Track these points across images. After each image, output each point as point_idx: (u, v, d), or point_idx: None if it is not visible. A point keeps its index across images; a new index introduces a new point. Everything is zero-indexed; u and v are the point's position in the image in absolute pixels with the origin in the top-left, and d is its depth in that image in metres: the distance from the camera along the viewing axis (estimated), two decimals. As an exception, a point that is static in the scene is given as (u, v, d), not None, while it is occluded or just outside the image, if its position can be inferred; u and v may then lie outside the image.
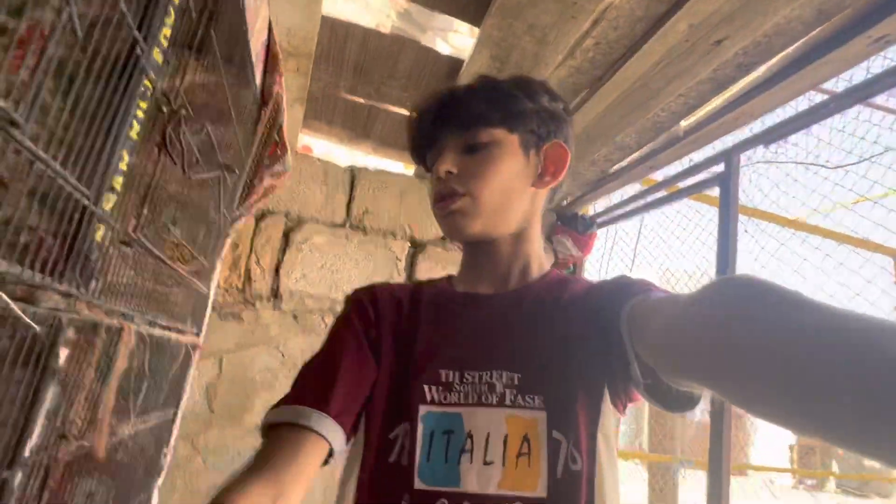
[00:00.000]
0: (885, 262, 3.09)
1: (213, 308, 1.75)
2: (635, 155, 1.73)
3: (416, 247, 2.10)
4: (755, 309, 0.35)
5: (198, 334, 1.02)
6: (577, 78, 1.40)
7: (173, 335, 0.82)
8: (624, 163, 1.79)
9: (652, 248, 2.44)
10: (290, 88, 1.43)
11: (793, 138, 1.45)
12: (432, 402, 0.55)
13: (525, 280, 0.64)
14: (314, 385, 0.55)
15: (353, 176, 2.07)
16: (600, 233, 2.27)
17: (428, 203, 2.08)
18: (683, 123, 1.53)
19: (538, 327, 0.57)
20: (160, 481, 0.94)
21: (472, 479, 0.51)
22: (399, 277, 2.02)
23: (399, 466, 0.53)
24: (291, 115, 1.66)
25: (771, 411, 0.33)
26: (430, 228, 2.10)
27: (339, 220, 2.01)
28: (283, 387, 1.95)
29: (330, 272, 1.94)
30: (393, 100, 1.74)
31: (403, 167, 2.22)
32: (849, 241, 2.96)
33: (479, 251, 0.66)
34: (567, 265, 2.25)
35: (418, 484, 0.51)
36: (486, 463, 0.51)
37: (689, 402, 0.49)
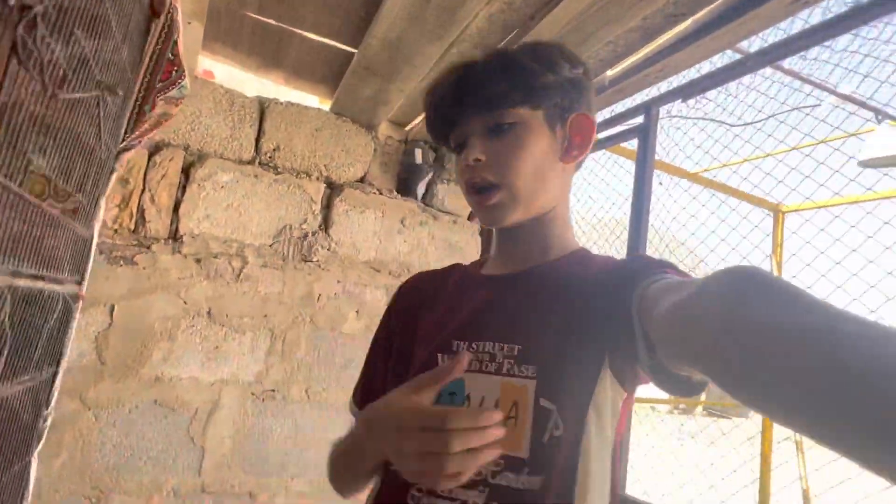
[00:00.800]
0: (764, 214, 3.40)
1: (101, 252, 1.56)
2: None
3: (333, 188, 1.99)
4: (752, 303, 0.36)
5: (79, 282, 0.89)
6: (509, 15, 1.33)
7: (46, 285, 0.70)
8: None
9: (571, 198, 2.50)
10: (186, 0, 1.24)
11: (710, 94, 1.50)
12: None
13: (545, 258, 0.67)
14: (367, 387, 0.75)
15: (263, 108, 1.88)
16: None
17: (347, 141, 1.94)
18: (609, 73, 1.53)
19: (543, 304, 0.61)
20: (39, 447, 0.83)
21: None
22: (314, 220, 1.91)
23: None
24: (189, 33, 1.45)
25: (754, 403, 0.34)
26: (349, 169, 1.99)
27: (248, 156, 1.84)
28: (187, 337, 1.78)
29: (237, 213, 1.79)
30: (308, 25, 1.57)
31: (318, 101, 2.06)
32: (739, 194, 3.21)
33: (506, 234, 0.69)
34: (487, 212, 2.24)
35: None
36: None
37: (691, 387, 0.50)
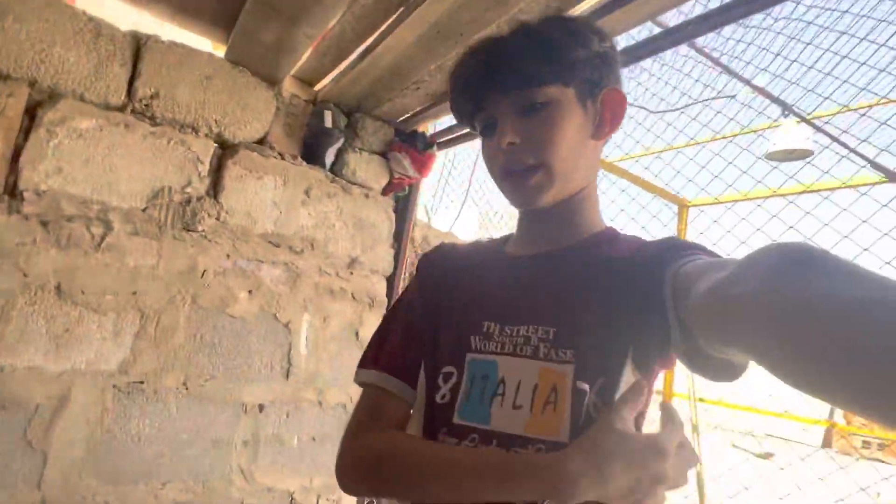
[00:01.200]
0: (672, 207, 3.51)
1: None
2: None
3: (225, 148, 1.72)
4: (805, 280, 0.34)
5: None
6: (437, -51, 1.16)
7: None
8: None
9: (488, 178, 2.39)
10: None
11: (650, 70, 1.43)
12: (476, 350, 0.61)
13: (575, 238, 0.66)
14: (391, 352, 0.69)
15: (139, 45, 1.57)
16: (439, 155, 2.12)
17: (244, 95, 1.67)
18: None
19: (577, 285, 0.60)
20: None
21: (502, 420, 0.56)
22: (200, 184, 1.63)
23: (443, 405, 0.61)
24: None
25: (815, 386, 0.32)
26: (245, 127, 1.72)
27: (117, 101, 1.52)
28: (26, 317, 1.41)
29: (100, 169, 1.48)
30: (195, -59, 1.30)
31: (212, 46, 1.77)
32: (646, 185, 3.29)
33: (535, 214, 0.68)
34: (402, 186, 2.07)
35: (456, 419, 0.59)
36: (515, 407, 0.57)
37: (730, 371, 0.49)
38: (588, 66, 0.62)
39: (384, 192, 2.05)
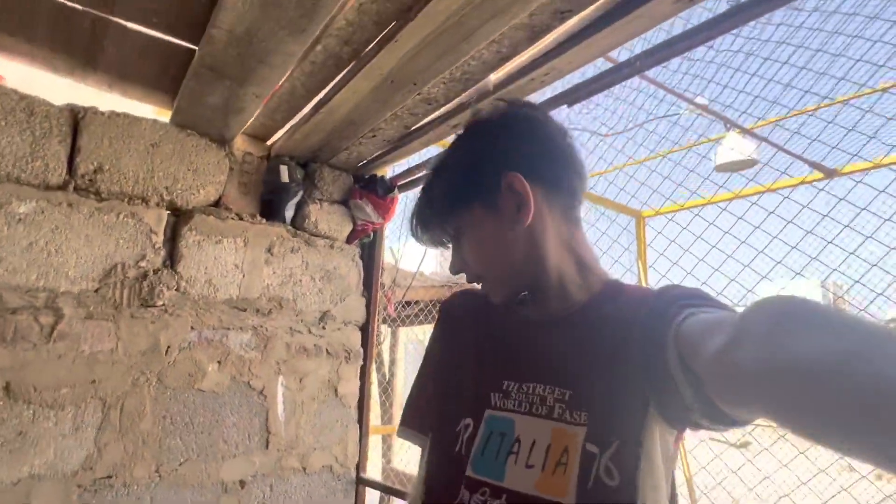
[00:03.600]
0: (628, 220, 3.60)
1: None
2: (442, 110, 1.57)
3: (179, 216, 1.64)
4: (790, 342, 0.35)
5: None
6: (383, 6, 1.15)
7: None
8: (429, 118, 1.62)
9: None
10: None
11: (596, 99, 1.46)
12: (495, 407, 0.63)
13: (578, 303, 0.67)
14: (423, 413, 0.76)
15: (77, 119, 1.50)
16: (401, 197, 2.10)
17: (194, 159, 1.62)
18: (493, 77, 1.42)
19: (587, 348, 0.61)
20: None
21: (514, 477, 0.57)
22: (156, 256, 1.56)
23: (459, 455, 0.62)
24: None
25: (817, 440, 0.33)
26: (198, 192, 1.66)
27: (57, 180, 1.44)
28: None
29: (46, 253, 1.39)
30: (131, 12, 1.26)
31: (154, 112, 1.71)
32: (605, 202, 3.37)
33: (528, 290, 0.72)
34: (367, 232, 2.04)
35: (469, 471, 0.60)
36: (528, 466, 0.57)
37: (743, 422, 0.50)
38: (472, 184, 0.68)
39: (349, 240, 2.01)
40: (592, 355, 0.60)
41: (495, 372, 0.66)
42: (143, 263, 1.53)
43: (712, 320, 0.48)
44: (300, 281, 1.84)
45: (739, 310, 0.45)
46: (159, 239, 1.58)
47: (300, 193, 1.87)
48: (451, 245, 0.74)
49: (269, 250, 1.79)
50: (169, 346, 1.54)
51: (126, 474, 1.43)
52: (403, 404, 0.81)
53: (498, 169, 0.66)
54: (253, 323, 1.72)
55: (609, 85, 1.29)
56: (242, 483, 1.63)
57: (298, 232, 1.87)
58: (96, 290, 1.45)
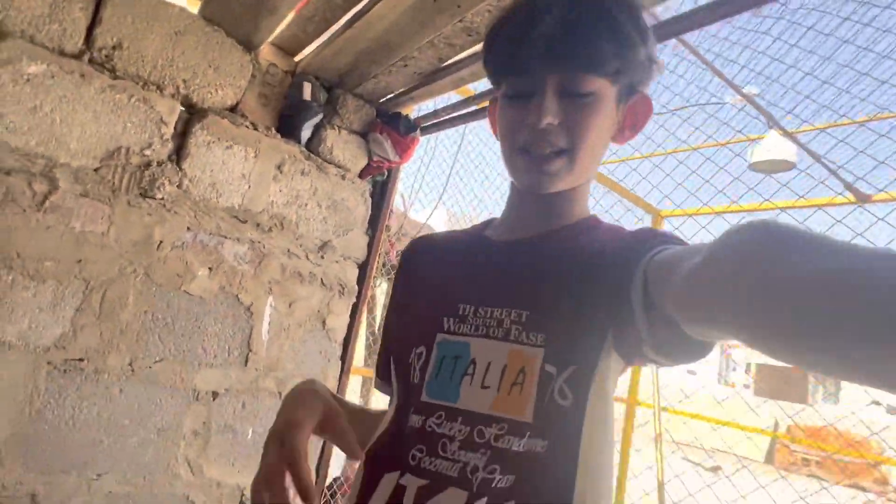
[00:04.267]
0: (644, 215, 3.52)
1: None
2: (480, 45, 1.49)
3: (193, 112, 1.58)
4: (783, 255, 0.34)
5: None
6: None
7: None
8: (465, 53, 1.55)
9: (470, 165, 2.31)
10: None
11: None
12: (448, 332, 0.61)
13: (558, 224, 0.65)
14: (387, 362, 0.69)
15: (102, -11, 1.42)
16: (421, 140, 2.03)
17: (217, 56, 1.55)
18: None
19: (553, 271, 0.59)
20: None
21: (469, 398, 0.56)
22: (163, 148, 1.50)
23: (415, 385, 0.61)
24: None
25: (799, 358, 0.32)
26: (216, 91, 1.59)
27: (73, 48, 1.37)
28: None
29: (50, 120, 1.33)
30: None
31: (185, 0, 1.63)
32: (623, 192, 3.29)
33: (530, 197, 0.67)
34: (381, 170, 1.97)
35: (424, 397, 0.59)
36: (483, 387, 0.56)
37: (699, 351, 0.50)
38: (639, 68, 0.61)
39: (362, 174, 1.94)
40: (556, 278, 0.59)
41: (451, 297, 0.63)
42: (148, 152, 1.47)
43: (686, 249, 0.48)
44: (306, 205, 1.78)
45: None
46: (169, 131, 1.51)
47: (320, 115, 1.80)
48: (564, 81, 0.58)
49: (280, 167, 1.73)
50: (162, 242, 1.49)
51: (99, 361, 1.39)
52: None
53: (648, 82, 0.64)
54: (251, 237, 1.66)
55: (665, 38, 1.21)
56: (215, 394, 1.59)
57: (312, 155, 1.81)
58: (96, 170, 1.39)
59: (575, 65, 0.57)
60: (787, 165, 2.05)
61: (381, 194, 2.01)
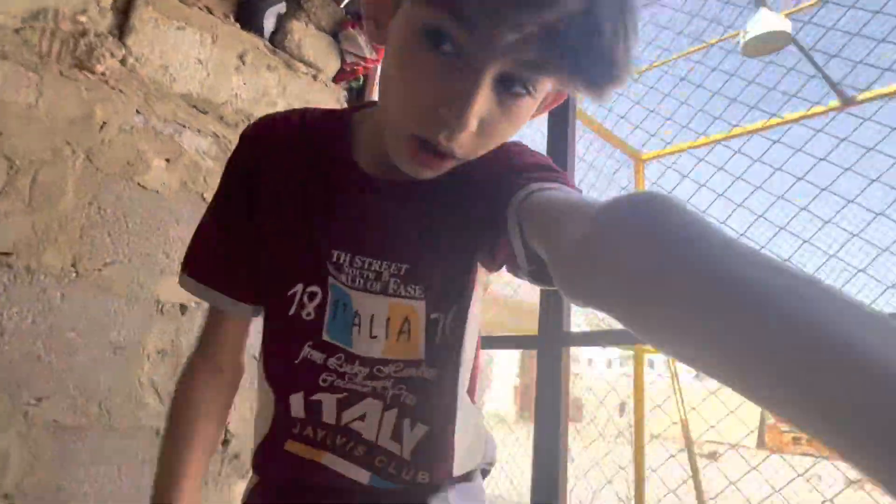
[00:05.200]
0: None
1: None
2: None
3: (135, -15, 1.36)
4: (674, 247, 0.30)
5: None
6: None
7: None
8: None
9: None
10: None
11: None
12: (332, 276, 0.57)
13: None
14: (215, 262, 0.60)
15: None
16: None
17: None
18: None
19: (432, 217, 0.56)
20: None
21: (361, 346, 0.57)
22: (100, 17, 1.27)
23: (310, 321, 0.58)
24: None
25: (673, 351, 0.30)
26: (161, -38, 1.38)
27: None
28: None
29: (-46, -32, 1.09)
30: None
31: None
32: (606, 135, 3.19)
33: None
34: (356, 75, 1.78)
35: (325, 337, 0.58)
36: (371, 336, 0.58)
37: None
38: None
39: (335, 79, 1.74)
40: (435, 224, 0.56)
41: (328, 239, 0.57)
42: (82, 19, 1.24)
43: (566, 202, 0.43)
44: (275, 103, 1.57)
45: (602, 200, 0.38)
46: (107, 0, 1.29)
47: (283, 5, 1.60)
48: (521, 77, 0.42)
49: (242, 58, 1.51)
50: (106, 123, 1.24)
51: (32, 258, 1.12)
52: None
53: None
54: (215, 130, 1.43)
55: None
56: (184, 308, 1.32)
57: (278, 51, 1.60)
58: (17, 31, 1.15)
59: (565, 62, 0.39)
60: (783, 39, 1.96)
61: (357, 102, 1.81)
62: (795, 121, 2.70)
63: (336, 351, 0.58)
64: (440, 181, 0.52)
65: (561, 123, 1.03)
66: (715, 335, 0.26)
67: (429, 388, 0.60)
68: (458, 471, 0.63)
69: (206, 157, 1.40)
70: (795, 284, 0.25)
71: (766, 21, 1.95)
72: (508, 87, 0.42)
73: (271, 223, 0.59)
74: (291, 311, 0.59)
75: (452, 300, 0.58)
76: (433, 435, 0.61)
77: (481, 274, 0.60)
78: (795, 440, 10.73)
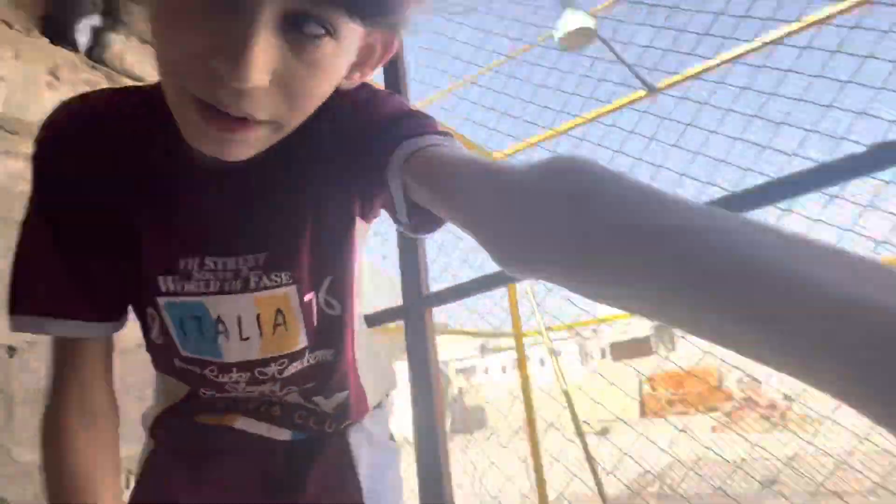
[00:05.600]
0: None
1: None
2: None
3: None
4: (605, 205, 0.29)
5: None
6: None
7: None
8: None
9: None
10: None
11: None
12: (168, 293, 0.51)
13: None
14: (58, 288, 0.49)
15: None
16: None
17: None
18: None
19: (288, 192, 0.50)
20: None
21: (234, 352, 0.53)
22: None
23: (162, 345, 0.54)
24: None
25: (615, 302, 0.29)
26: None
27: None
28: None
29: None
30: None
31: None
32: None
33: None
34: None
35: (185, 353, 0.53)
36: (243, 339, 0.52)
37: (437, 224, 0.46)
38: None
39: (169, 94, 1.66)
40: (292, 200, 0.50)
41: (168, 248, 0.49)
42: None
43: (465, 159, 0.40)
44: (101, 121, 1.45)
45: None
46: None
47: (97, 18, 1.50)
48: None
49: (54, 73, 1.38)
50: None
51: None
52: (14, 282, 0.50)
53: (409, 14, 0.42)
54: (28, 151, 1.28)
55: None
56: (11, 350, 1.15)
57: (98, 66, 1.49)
58: None
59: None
60: (589, 34, 2.25)
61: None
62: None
63: (207, 365, 0.54)
64: (289, 148, 0.45)
65: (394, 85, 1.07)
66: (657, 278, 0.25)
67: (327, 370, 0.58)
68: (372, 403, 0.65)
69: (18, 181, 1.25)
70: (706, 216, 0.25)
71: (571, 20, 2.22)
72: (300, 27, 0.35)
73: (95, 239, 0.50)
74: (150, 332, 0.56)
75: (325, 274, 0.54)
76: (349, 397, 0.61)
77: (360, 226, 0.54)
78: (669, 402, 11.95)
